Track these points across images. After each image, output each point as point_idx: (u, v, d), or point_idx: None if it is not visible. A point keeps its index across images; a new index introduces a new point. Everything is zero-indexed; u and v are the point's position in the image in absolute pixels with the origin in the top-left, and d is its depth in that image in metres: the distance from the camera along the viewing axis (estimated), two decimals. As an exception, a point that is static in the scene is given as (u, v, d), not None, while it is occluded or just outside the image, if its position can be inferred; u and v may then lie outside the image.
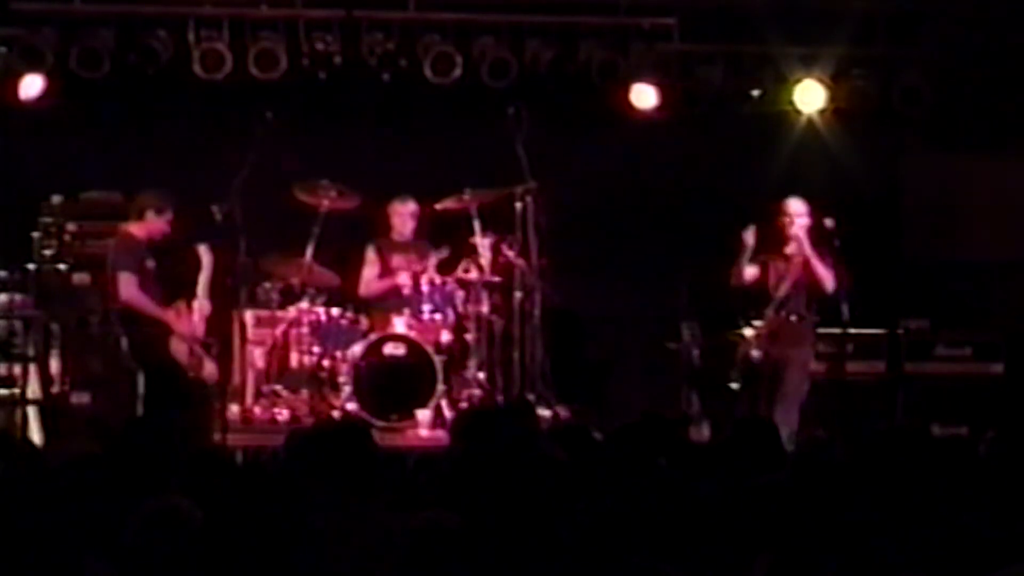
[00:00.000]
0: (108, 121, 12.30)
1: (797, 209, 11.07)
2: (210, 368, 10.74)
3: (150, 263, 10.70)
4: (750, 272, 11.08)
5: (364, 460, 5.52)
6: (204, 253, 10.77)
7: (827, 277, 10.91)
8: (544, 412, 11.28)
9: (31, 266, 11.33)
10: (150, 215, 10.68)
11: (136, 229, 10.71)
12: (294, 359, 11.65)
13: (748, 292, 11.12)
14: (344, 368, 11.49)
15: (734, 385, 11.06)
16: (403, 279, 11.77)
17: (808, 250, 10.95)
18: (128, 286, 10.57)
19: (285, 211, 11.73)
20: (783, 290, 11.00)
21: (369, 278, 12.03)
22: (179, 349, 10.65)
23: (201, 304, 10.73)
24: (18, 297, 11.20)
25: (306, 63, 11.97)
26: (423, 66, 12.03)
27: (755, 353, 10.97)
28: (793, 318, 11.00)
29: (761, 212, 11.28)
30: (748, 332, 11.05)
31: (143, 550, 4.84)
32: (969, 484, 5.62)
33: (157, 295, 10.68)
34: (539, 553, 4.81)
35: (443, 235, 12.05)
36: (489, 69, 12.08)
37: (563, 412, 11.59)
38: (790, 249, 11.05)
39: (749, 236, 11.03)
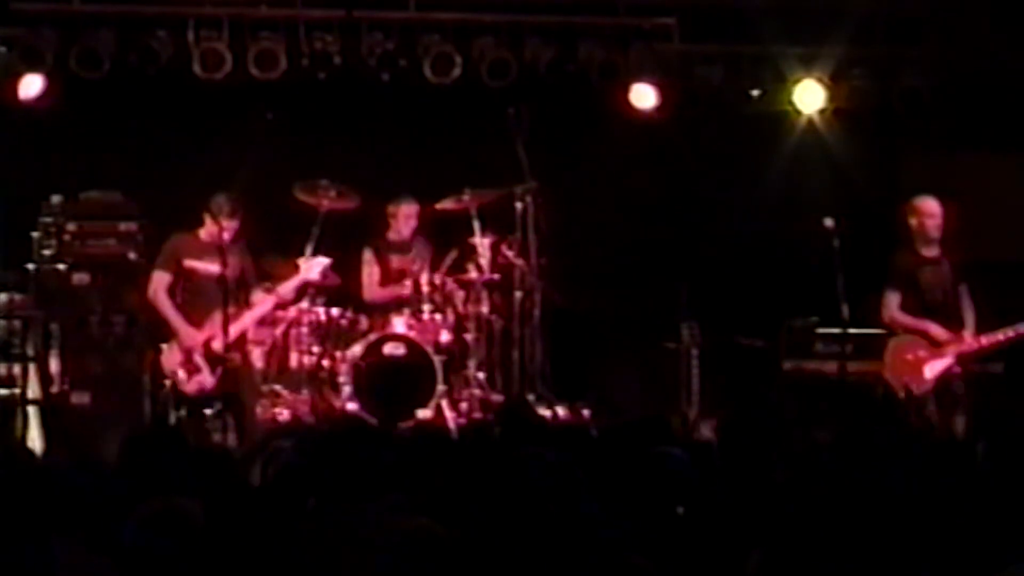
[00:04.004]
0: (108, 121, 12.29)
1: (932, 209, 10.97)
2: (200, 381, 10.71)
3: (206, 266, 10.71)
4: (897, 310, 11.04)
5: (366, 462, 5.53)
6: (308, 265, 10.99)
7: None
8: (544, 412, 11.30)
9: (31, 266, 11.32)
10: (207, 219, 10.75)
11: (202, 231, 10.81)
12: (294, 359, 11.65)
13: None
14: (344, 368, 11.49)
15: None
16: (406, 287, 11.77)
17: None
18: (155, 283, 10.79)
19: (285, 211, 11.73)
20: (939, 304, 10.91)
21: (370, 283, 12.02)
22: (171, 359, 10.70)
23: (263, 305, 10.94)
24: (18, 297, 11.19)
25: (306, 63, 11.96)
26: (423, 66, 12.03)
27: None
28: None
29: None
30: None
31: (145, 550, 4.84)
32: (968, 484, 5.63)
33: (208, 297, 10.70)
34: (533, 555, 4.81)
35: (443, 235, 12.06)
36: (489, 69, 12.07)
37: (563, 412, 11.60)
38: (929, 251, 10.97)
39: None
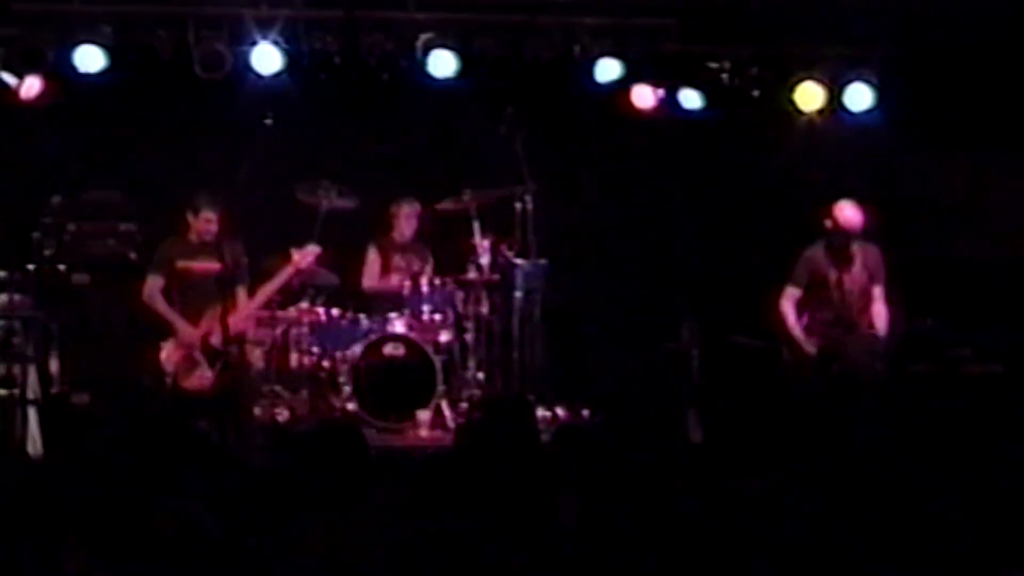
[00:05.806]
0: (108, 121, 12.30)
1: (849, 215, 10.99)
2: (199, 377, 10.70)
3: (200, 264, 10.71)
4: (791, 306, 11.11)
5: (358, 462, 5.53)
6: (301, 253, 10.95)
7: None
8: (544, 412, 11.30)
9: (31, 266, 11.32)
10: (189, 215, 10.81)
11: (191, 232, 10.90)
12: (294, 359, 11.65)
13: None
14: (344, 368, 11.50)
15: None
16: (397, 282, 11.80)
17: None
18: (148, 287, 10.86)
19: (285, 211, 11.74)
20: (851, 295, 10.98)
21: (371, 272, 12.09)
22: (171, 356, 10.70)
23: (253, 300, 10.90)
24: (18, 297, 11.19)
25: (306, 63, 11.97)
26: (423, 66, 12.02)
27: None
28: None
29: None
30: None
31: (146, 551, 4.84)
32: (968, 484, 5.62)
33: (204, 295, 10.69)
34: (532, 555, 4.81)
35: (443, 235, 12.06)
36: (489, 69, 12.07)
37: (562, 412, 11.60)
38: (843, 252, 11.00)
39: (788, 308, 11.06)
